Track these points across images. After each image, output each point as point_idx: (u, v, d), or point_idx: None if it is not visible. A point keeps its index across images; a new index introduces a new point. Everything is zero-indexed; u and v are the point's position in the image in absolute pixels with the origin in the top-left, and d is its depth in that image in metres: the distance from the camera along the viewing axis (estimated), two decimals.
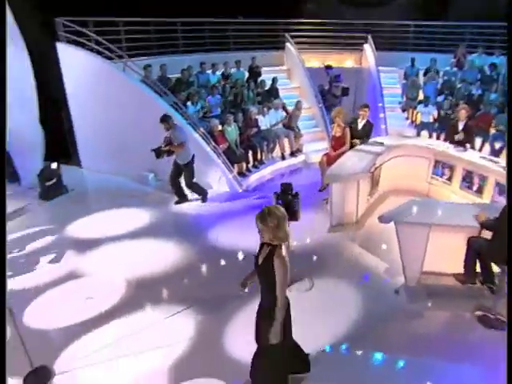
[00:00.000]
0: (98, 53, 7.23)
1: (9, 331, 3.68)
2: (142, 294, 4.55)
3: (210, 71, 9.23)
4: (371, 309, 4.22)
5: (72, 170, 8.16)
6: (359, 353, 3.66)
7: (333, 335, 3.83)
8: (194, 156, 6.52)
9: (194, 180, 6.72)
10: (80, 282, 4.87)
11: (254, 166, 8.09)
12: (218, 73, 9.33)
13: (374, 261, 5.04)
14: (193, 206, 6.79)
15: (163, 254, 5.37)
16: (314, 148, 9.10)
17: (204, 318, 4.12)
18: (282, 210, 2.76)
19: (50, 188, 7.30)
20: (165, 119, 6.20)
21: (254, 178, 7.85)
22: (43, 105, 7.33)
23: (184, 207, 6.76)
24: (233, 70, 9.58)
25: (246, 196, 7.13)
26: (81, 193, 7.66)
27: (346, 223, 5.74)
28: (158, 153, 6.24)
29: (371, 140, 6.62)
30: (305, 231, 5.52)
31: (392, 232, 4.26)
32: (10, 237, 5.97)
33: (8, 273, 5.00)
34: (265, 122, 8.28)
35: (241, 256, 5.28)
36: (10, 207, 6.83)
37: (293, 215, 4.19)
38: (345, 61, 11.50)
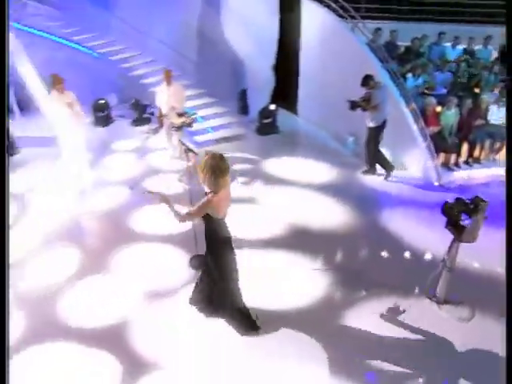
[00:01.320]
0: (335, 10, 7.45)
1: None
2: (297, 239, 4.97)
3: (448, 44, 8.24)
4: None
5: (287, 115, 9.09)
6: None
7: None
8: (385, 121, 6.29)
9: (381, 149, 6.53)
10: (252, 208, 5.72)
11: (466, 163, 7.06)
12: (459, 47, 8.22)
13: None
14: (378, 181, 6.64)
15: (329, 214, 5.60)
16: None
17: (338, 287, 4.24)
18: (224, 162, 2.97)
19: (266, 125, 8.44)
20: (365, 83, 6.13)
21: (459, 175, 6.86)
22: (279, 52, 8.24)
23: (369, 178, 6.68)
24: (477, 47, 8.26)
25: (440, 191, 6.38)
26: (288, 136, 8.48)
27: None
28: (353, 105, 6.29)
29: None
30: (488, 253, 4.60)
31: None
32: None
33: None
34: (498, 114, 6.96)
35: (406, 250, 4.97)
36: (234, 132, 8.35)
37: (460, 232, 3.65)
38: None
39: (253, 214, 5.56)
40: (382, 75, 6.63)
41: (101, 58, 9.57)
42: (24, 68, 7.72)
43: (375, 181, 6.63)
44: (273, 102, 8.59)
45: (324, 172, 6.86)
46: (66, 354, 3.45)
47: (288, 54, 8.35)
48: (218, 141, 8.04)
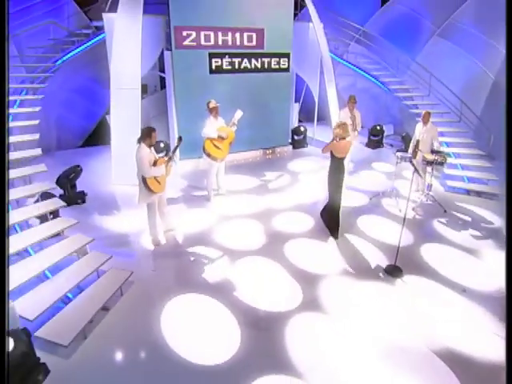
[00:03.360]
0: None
1: None
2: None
3: None
4: None
5: None
6: None
7: None
8: None
9: None
10: (472, 260, 5.74)
11: None
12: None
13: None
14: None
15: None
16: None
17: None
18: (346, 126, 5.54)
19: None
20: None
21: None
22: None
23: None
24: None
25: None
26: None
27: None
28: None
29: None
30: None
31: None
32: None
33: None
34: None
35: None
36: (488, 190, 8.04)
37: None
38: None
39: (471, 264, 5.60)
40: None
41: (389, 93, 11.03)
42: (331, 89, 10.06)
43: None
44: None
45: None
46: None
47: None
48: (468, 191, 8.01)
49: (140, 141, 5.07)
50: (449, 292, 4.86)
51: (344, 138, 5.52)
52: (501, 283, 5.07)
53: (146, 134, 5.05)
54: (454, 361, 3.80)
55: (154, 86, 10.41)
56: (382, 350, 3.90)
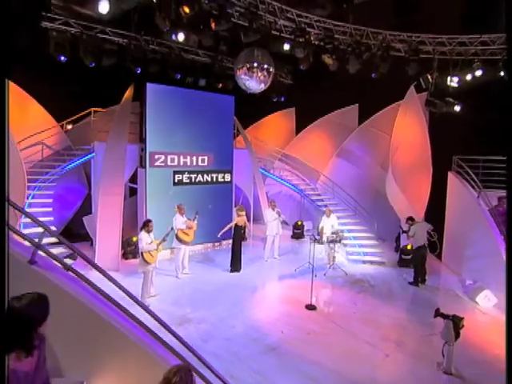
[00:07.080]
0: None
1: None
2: None
3: None
4: None
5: None
6: None
7: None
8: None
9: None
10: None
11: None
12: None
13: None
14: None
15: None
16: None
17: None
18: (242, 209, 10.29)
19: (404, 260, 11.04)
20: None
21: None
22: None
23: None
24: None
25: None
26: None
27: None
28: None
29: None
30: None
31: None
32: None
33: None
34: None
35: None
36: (379, 260, 11.31)
37: None
38: None
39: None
40: None
41: (305, 197, 14.79)
42: (262, 196, 13.45)
43: None
44: None
45: None
46: None
47: None
48: (364, 262, 11.21)
49: (141, 229, 7.61)
50: (347, 318, 7.54)
51: (239, 216, 9.95)
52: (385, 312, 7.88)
53: (145, 224, 7.67)
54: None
55: (125, 195, 13.01)
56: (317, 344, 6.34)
